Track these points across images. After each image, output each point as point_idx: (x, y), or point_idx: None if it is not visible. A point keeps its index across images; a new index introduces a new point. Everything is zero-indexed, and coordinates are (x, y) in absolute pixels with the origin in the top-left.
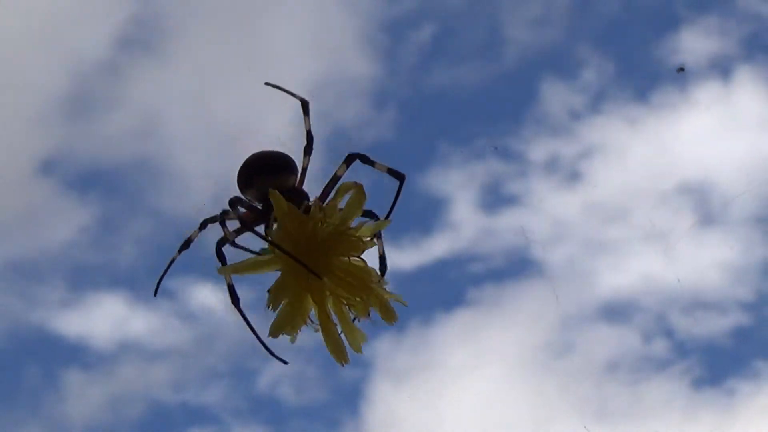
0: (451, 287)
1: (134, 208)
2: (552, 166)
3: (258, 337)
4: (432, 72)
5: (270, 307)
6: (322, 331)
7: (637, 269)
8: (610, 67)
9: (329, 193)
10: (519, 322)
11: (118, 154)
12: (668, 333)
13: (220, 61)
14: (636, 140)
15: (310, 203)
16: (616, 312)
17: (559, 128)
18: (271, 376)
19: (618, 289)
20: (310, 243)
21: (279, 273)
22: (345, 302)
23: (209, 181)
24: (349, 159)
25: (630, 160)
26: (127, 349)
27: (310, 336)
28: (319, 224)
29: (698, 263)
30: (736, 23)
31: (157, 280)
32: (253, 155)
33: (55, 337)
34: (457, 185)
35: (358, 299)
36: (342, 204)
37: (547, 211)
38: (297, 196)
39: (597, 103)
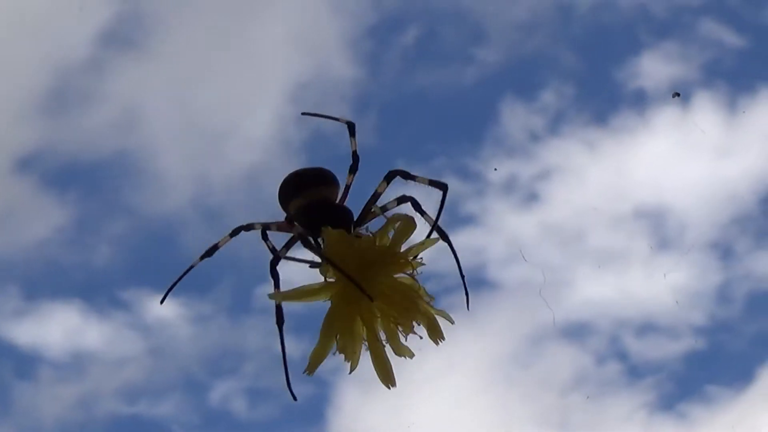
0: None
1: (112, 207)
2: (510, 186)
3: (285, 366)
4: (389, 90)
5: (321, 339)
6: (371, 354)
7: (592, 291)
8: (569, 90)
9: (370, 209)
10: (473, 341)
11: (98, 152)
12: (621, 356)
13: (203, 60)
14: (594, 163)
15: (356, 226)
16: (569, 333)
17: (518, 149)
18: (224, 389)
19: (572, 310)
20: (360, 264)
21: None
22: (394, 321)
23: (190, 180)
24: (390, 176)
25: (587, 183)
26: (80, 360)
27: (264, 352)
28: (370, 247)
29: (652, 287)
30: (697, 49)
31: (169, 286)
32: (297, 170)
33: (6, 346)
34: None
35: (406, 317)
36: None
37: (504, 231)
38: (341, 212)
39: (556, 125)
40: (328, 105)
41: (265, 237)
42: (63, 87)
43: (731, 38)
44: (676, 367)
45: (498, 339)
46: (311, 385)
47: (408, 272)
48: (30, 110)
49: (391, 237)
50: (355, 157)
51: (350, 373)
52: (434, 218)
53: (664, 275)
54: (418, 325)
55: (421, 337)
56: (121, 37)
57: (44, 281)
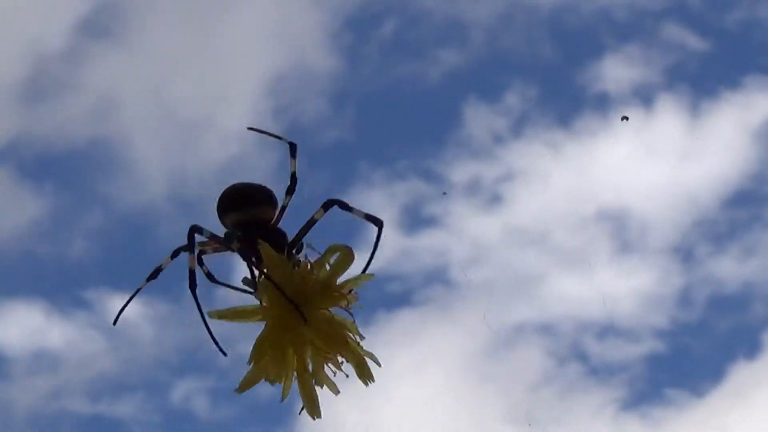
0: (367, 306)
1: (87, 199)
2: (473, 188)
3: (206, 324)
4: (352, 94)
5: (251, 362)
6: (298, 383)
7: (554, 293)
8: (533, 92)
9: (305, 234)
10: (433, 345)
11: (73, 142)
12: (582, 357)
13: (180, 51)
14: (557, 165)
15: (289, 248)
16: (531, 335)
17: (481, 151)
18: (185, 389)
19: (534, 312)
20: (297, 293)
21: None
22: (322, 354)
23: (165, 172)
24: (327, 204)
25: (550, 185)
26: (42, 359)
27: (227, 352)
28: (307, 277)
29: (614, 290)
30: (660, 53)
31: (120, 309)
32: (238, 183)
33: None
34: (377, 205)
35: (335, 353)
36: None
37: (467, 233)
38: (276, 234)
39: (519, 127)
40: (304, 97)
41: (200, 262)
42: (39, 77)
43: (694, 42)
44: (637, 369)
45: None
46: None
47: (342, 306)
48: (5, 100)
49: (328, 268)
50: (294, 179)
51: (282, 400)
52: (370, 253)
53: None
54: (347, 362)
55: (347, 375)
56: (98, 28)
57: (11, 278)
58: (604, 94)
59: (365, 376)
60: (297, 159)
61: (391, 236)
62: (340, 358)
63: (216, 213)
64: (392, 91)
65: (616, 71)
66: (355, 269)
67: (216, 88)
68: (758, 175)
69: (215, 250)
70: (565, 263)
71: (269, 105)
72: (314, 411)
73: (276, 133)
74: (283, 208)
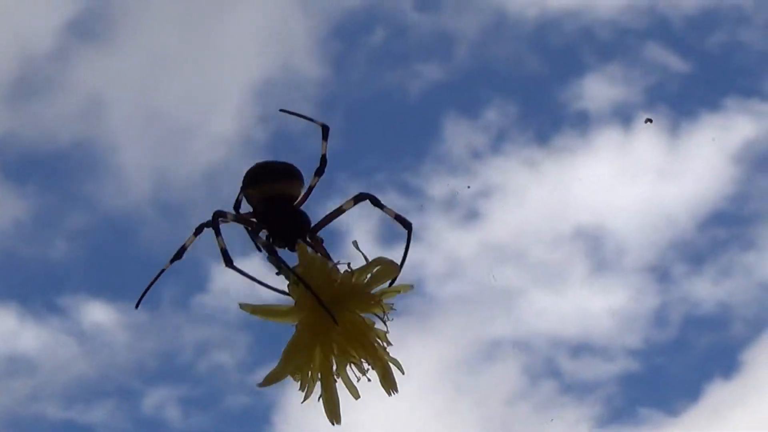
0: None
1: (71, 200)
2: (450, 203)
3: (268, 286)
4: (336, 102)
5: (280, 366)
6: (322, 386)
7: (529, 310)
8: (512, 109)
9: (330, 221)
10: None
11: (58, 143)
12: (555, 375)
13: (168, 54)
14: (535, 182)
15: (313, 232)
16: (504, 351)
17: (459, 166)
18: (158, 397)
19: (506, 331)
20: (331, 295)
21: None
22: (349, 358)
23: (150, 175)
24: (359, 198)
25: (528, 202)
26: (15, 364)
27: (200, 361)
28: (345, 280)
29: (589, 308)
30: (640, 73)
31: (143, 291)
32: (266, 161)
33: None
34: (354, 217)
35: (362, 357)
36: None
37: (443, 248)
38: (299, 215)
39: (498, 143)
40: (291, 104)
41: (217, 232)
42: (24, 77)
43: (675, 63)
44: (611, 388)
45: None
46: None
47: (377, 314)
48: None
49: (369, 277)
50: (324, 160)
51: (302, 402)
52: (402, 257)
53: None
54: (372, 369)
55: (370, 380)
56: (86, 29)
57: None
58: (584, 112)
59: (389, 385)
60: (328, 141)
61: (366, 249)
62: (365, 364)
63: (242, 192)
64: (375, 103)
65: (597, 90)
66: None
67: (203, 92)
68: (736, 197)
69: (242, 221)
70: (541, 280)
71: (256, 110)
72: (335, 416)
73: (308, 116)
74: (310, 188)
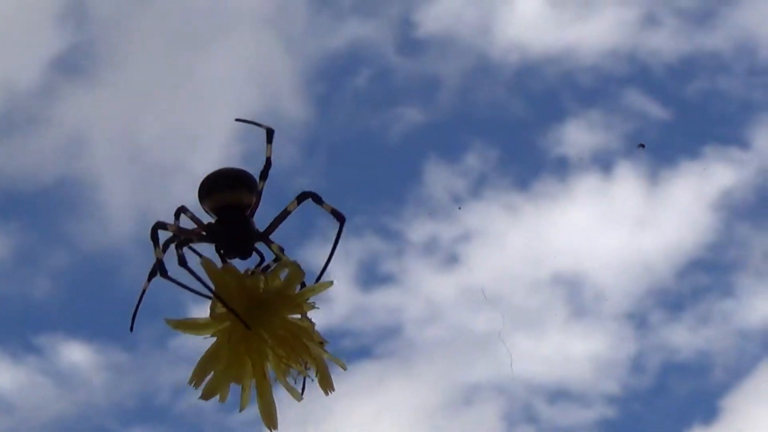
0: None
1: (52, 238)
2: (430, 248)
3: (204, 284)
4: (320, 144)
5: (192, 383)
6: (257, 392)
7: (505, 356)
8: (493, 154)
9: (278, 224)
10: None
11: (41, 180)
12: (533, 420)
13: (152, 93)
14: (514, 228)
15: (262, 238)
16: (482, 396)
17: (440, 211)
18: None
19: (484, 375)
20: (250, 302)
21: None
22: (284, 362)
23: (132, 214)
24: (301, 197)
25: (507, 247)
26: None
27: (178, 402)
28: (260, 287)
29: (567, 354)
30: (620, 119)
31: (132, 313)
32: (220, 168)
33: None
34: (334, 259)
35: (296, 358)
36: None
37: (422, 292)
38: (248, 223)
39: (478, 188)
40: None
41: (156, 243)
42: (8, 113)
43: (655, 110)
44: None
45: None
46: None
47: (300, 314)
48: None
49: (282, 279)
50: (268, 163)
51: (240, 411)
52: (331, 250)
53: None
54: (309, 369)
55: (312, 380)
56: (71, 66)
57: None
58: (564, 158)
59: (326, 384)
60: (272, 144)
61: (346, 292)
62: (303, 363)
63: (198, 200)
64: (357, 145)
65: (577, 136)
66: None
67: (186, 130)
68: (714, 245)
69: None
70: (519, 325)
71: (239, 149)
72: (271, 422)
73: (258, 122)
74: (259, 193)
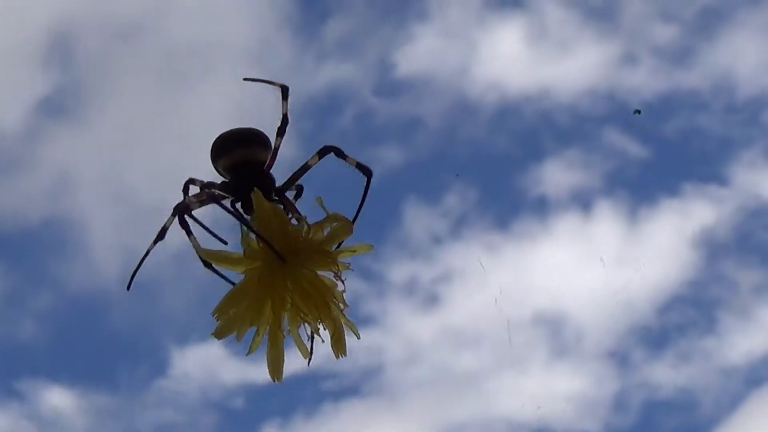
0: (303, 403)
1: (38, 281)
2: (410, 288)
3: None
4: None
5: (216, 315)
6: (268, 340)
7: (488, 395)
8: (472, 194)
9: (297, 178)
10: None
11: (27, 222)
12: None
13: (137, 133)
14: (494, 267)
15: (279, 192)
16: None
17: (419, 251)
18: None
19: (468, 414)
20: (287, 247)
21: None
22: (302, 316)
23: (118, 255)
24: (323, 151)
25: (487, 287)
26: None
27: None
28: (301, 234)
29: (549, 394)
30: (599, 158)
31: (132, 273)
32: (232, 128)
33: None
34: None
35: (315, 315)
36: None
37: (403, 333)
38: (268, 178)
39: (458, 228)
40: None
41: (186, 191)
42: None
43: (633, 149)
44: None
45: None
46: None
47: (334, 272)
48: None
49: (325, 234)
50: (285, 119)
51: (247, 354)
52: (359, 204)
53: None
54: (324, 329)
55: (323, 341)
56: (57, 107)
57: None
58: (543, 197)
59: (339, 347)
60: (288, 101)
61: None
62: (318, 323)
63: (211, 161)
64: (335, 186)
65: (556, 175)
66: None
67: (172, 171)
68: (694, 282)
69: (202, 204)
70: (501, 364)
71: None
72: (277, 373)
73: (269, 80)
74: (275, 149)
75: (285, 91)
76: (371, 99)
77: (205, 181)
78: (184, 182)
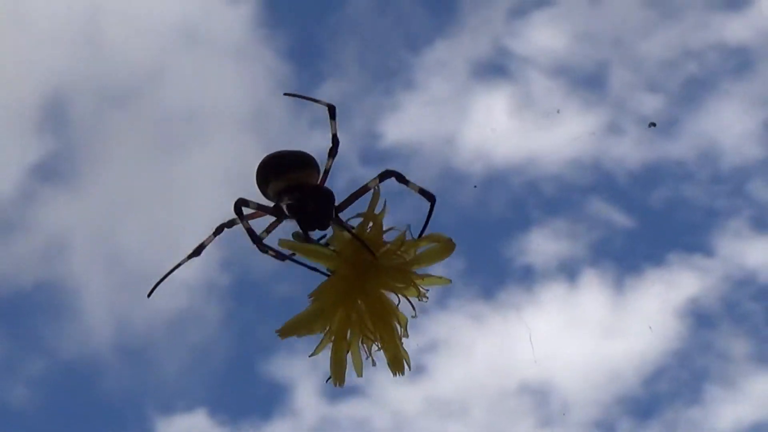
0: None
1: (30, 345)
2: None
3: (290, 258)
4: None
5: (312, 297)
6: (333, 347)
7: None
8: (458, 263)
9: (356, 199)
10: None
11: (19, 286)
12: None
13: (131, 197)
14: (480, 337)
15: (338, 210)
16: None
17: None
18: None
19: None
20: (372, 262)
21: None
22: (364, 332)
23: (111, 320)
24: (384, 175)
25: (473, 357)
26: None
27: None
28: (392, 250)
29: None
30: (585, 228)
31: (157, 281)
32: (276, 152)
33: None
34: (300, 372)
35: (375, 332)
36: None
37: (389, 404)
38: (325, 193)
39: (443, 297)
40: (251, 253)
41: (242, 218)
42: None
43: (619, 218)
44: None
45: None
46: None
47: (409, 295)
48: None
49: (419, 252)
50: (335, 140)
51: (310, 355)
52: (422, 227)
53: None
54: (378, 349)
55: (375, 364)
56: (50, 172)
57: None
58: (529, 267)
59: (398, 366)
60: (337, 120)
61: (313, 404)
62: (376, 344)
63: (258, 187)
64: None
65: (542, 245)
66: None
67: (165, 236)
68: (680, 353)
69: (266, 215)
70: None
71: (219, 255)
72: (339, 378)
73: (313, 97)
74: (326, 171)
75: (332, 110)
76: (358, 168)
77: (255, 203)
78: (234, 202)
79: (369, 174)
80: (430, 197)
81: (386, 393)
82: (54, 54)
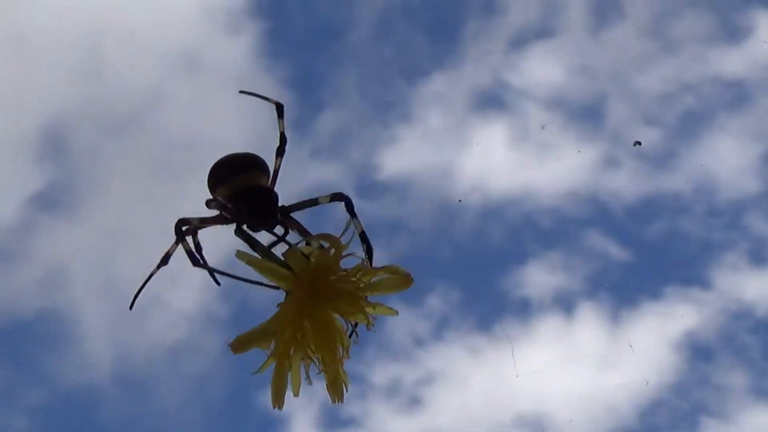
0: None
1: (29, 375)
2: (392, 390)
3: (233, 276)
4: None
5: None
6: (276, 366)
7: None
8: (455, 296)
9: (300, 208)
10: None
11: (18, 316)
12: None
13: (131, 228)
14: (476, 370)
15: (283, 213)
16: None
17: (401, 353)
18: None
19: None
20: (326, 281)
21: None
22: (306, 353)
23: (111, 351)
24: (336, 197)
25: (469, 390)
26: None
27: None
28: (347, 277)
29: None
30: (581, 260)
31: (134, 294)
32: (224, 156)
33: None
34: (296, 403)
35: (318, 358)
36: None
37: None
38: (268, 194)
39: (440, 330)
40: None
41: (182, 239)
42: None
43: (615, 251)
44: None
45: None
46: None
47: (355, 321)
48: None
49: (374, 281)
50: (283, 138)
51: (253, 373)
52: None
53: None
54: (320, 372)
55: (311, 383)
56: (50, 201)
57: None
58: (526, 299)
59: (337, 392)
60: (284, 119)
61: None
62: (317, 363)
63: (211, 191)
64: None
65: (538, 277)
66: None
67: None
68: (676, 386)
69: (215, 221)
70: None
71: (220, 287)
72: (279, 400)
73: (264, 95)
74: (275, 171)
75: (280, 108)
76: (355, 201)
77: (197, 218)
78: (174, 224)
79: (366, 205)
80: (368, 249)
81: (384, 424)
82: (54, 82)
